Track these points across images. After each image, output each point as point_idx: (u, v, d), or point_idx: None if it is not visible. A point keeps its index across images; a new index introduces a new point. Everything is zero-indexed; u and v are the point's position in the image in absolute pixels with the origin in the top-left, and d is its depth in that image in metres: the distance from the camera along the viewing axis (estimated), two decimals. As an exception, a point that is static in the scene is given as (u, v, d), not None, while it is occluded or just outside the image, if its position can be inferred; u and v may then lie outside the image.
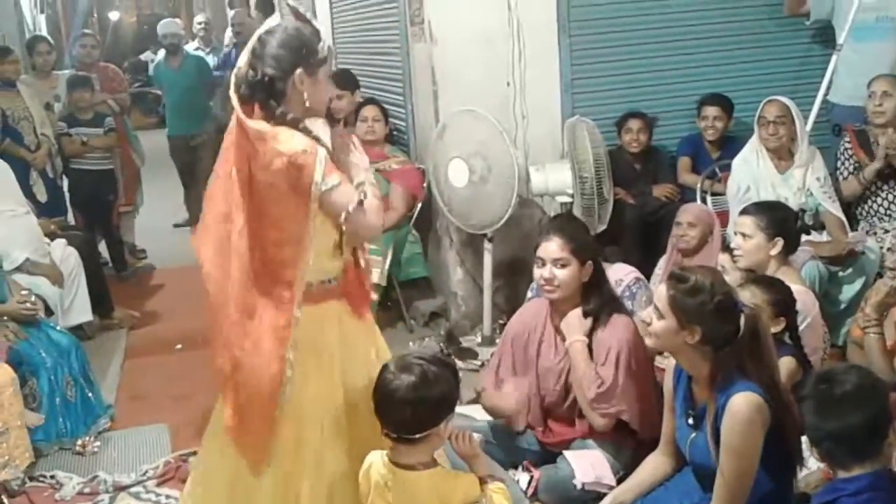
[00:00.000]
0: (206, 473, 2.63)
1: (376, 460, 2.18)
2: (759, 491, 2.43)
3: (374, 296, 2.74)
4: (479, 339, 4.64)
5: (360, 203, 2.30)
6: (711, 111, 4.81)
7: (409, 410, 2.07)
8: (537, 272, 3.08)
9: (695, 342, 2.44)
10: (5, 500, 3.35)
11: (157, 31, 7.32)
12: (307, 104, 2.34)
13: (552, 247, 3.04)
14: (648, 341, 2.58)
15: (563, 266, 3.02)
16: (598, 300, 3.07)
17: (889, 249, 4.06)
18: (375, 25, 5.64)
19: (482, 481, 2.22)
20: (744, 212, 3.59)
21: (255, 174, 2.30)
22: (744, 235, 3.47)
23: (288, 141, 2.25)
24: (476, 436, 2.18)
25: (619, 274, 3.79)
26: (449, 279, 5.01)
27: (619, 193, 4.72)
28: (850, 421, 2.10)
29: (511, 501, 2.20)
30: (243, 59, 2.34)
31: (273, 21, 2.39)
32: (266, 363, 2.31)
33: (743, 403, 2.35)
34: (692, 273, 2.47)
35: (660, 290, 2.51)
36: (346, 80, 5.28)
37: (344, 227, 2.35)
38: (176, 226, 7.47)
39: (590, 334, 3.05)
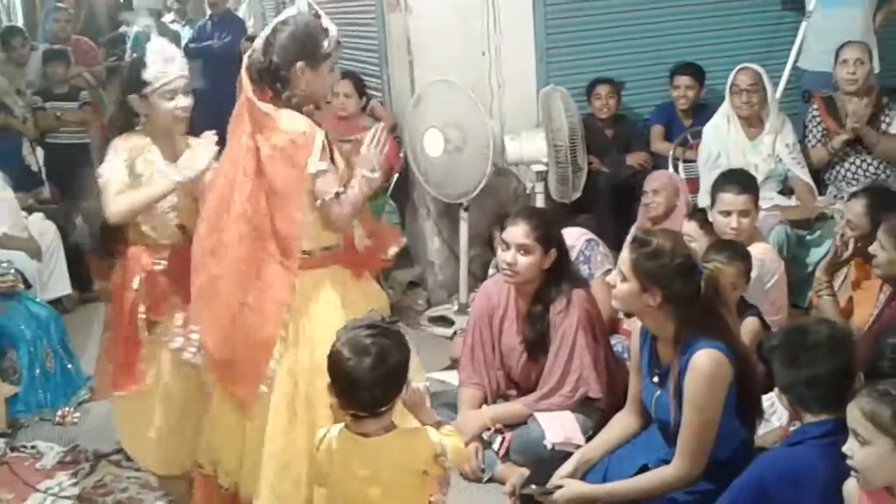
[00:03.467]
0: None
1: (332, 434, 2.17)
2: (734, 441, 2.52)
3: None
4: (455, 307, 4.70)
5: (337, 195, 2.48)
6: (683, 80, 4.85)
7: (378, 390, 2.07)
8: (501, 255, 3.12)
9: (657, 303, 2.50)
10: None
11: (133, 3, 7.27)
12: (306, 92, 2.54)
13: (518, 232, 3.08)
14: (613, 303, 2.64)
15: (527, 253, 3.07)
16: (558, 285, 3.12)
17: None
18: (351, -4, 5.64)
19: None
20: (730, 188, 3.50)
21: (261, 148, 2.48)
22: (741, 213, 3.44)
23: (290, 121, 2.48)
24: (421, 385, 2.22)
25: (570, 239, 3.83)
26: (426, 248, 5.06)
27: (592, 162, 4.76)
28: (820, 369, 2.20)
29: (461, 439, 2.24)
30: (259, 44, 2.55)
31: (290, 12, 2.58)
32: (264, 323, 2.49)
33: (705, 360, 2.42)
34: (653, 236, 2.53)
35: (623, 254, 2.57)
36: None
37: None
38: None
39: (545, 316, 3.11)
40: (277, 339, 2.48)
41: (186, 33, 7.44)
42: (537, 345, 3.16)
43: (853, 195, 3.50)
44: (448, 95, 4.49)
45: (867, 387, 2.02)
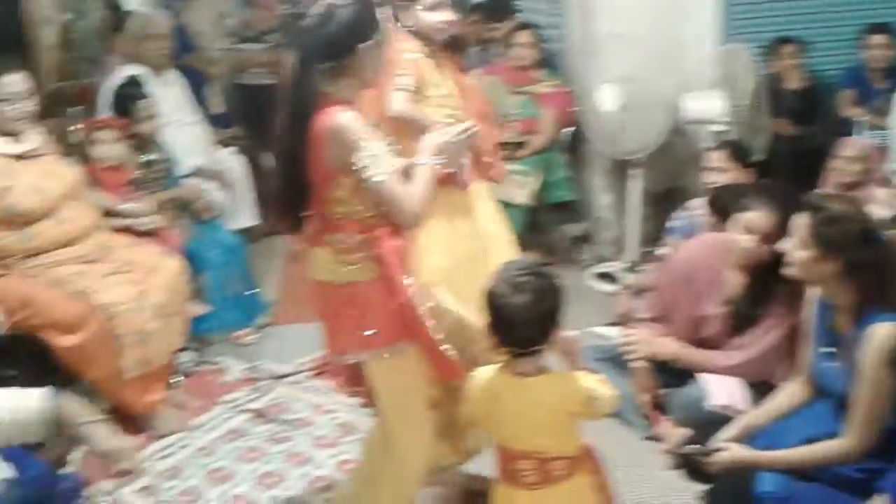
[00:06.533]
0: None
1: (487, 375, 2.23)
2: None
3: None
4: (623, 265, 4.67)
5: None
6: (878, 39, 4.58)
7: (534, 327, 2.12)
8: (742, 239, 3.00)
9: (837, 272, 2.43)
10: (181, 379, 3.71)
11: None
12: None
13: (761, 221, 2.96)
14: (790, 271, 2.56)
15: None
16: None
17: None
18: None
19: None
20: None
21: None
22: None
23: None
24: (573, 333, 2.25)
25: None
26: (595, 204, 5.04)
27: (778, 124, 4.58)
28: None
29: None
30: None
31: None
32: None
33: (884, 333, 2.34)
34: (830, 202, 2.44)
35: (800, 220, 2.49)
36: (499, 8, 5.36)
37: None
38: None
39: None
40: None
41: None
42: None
43: None
44: (626, 50, 4.41)
45: None
